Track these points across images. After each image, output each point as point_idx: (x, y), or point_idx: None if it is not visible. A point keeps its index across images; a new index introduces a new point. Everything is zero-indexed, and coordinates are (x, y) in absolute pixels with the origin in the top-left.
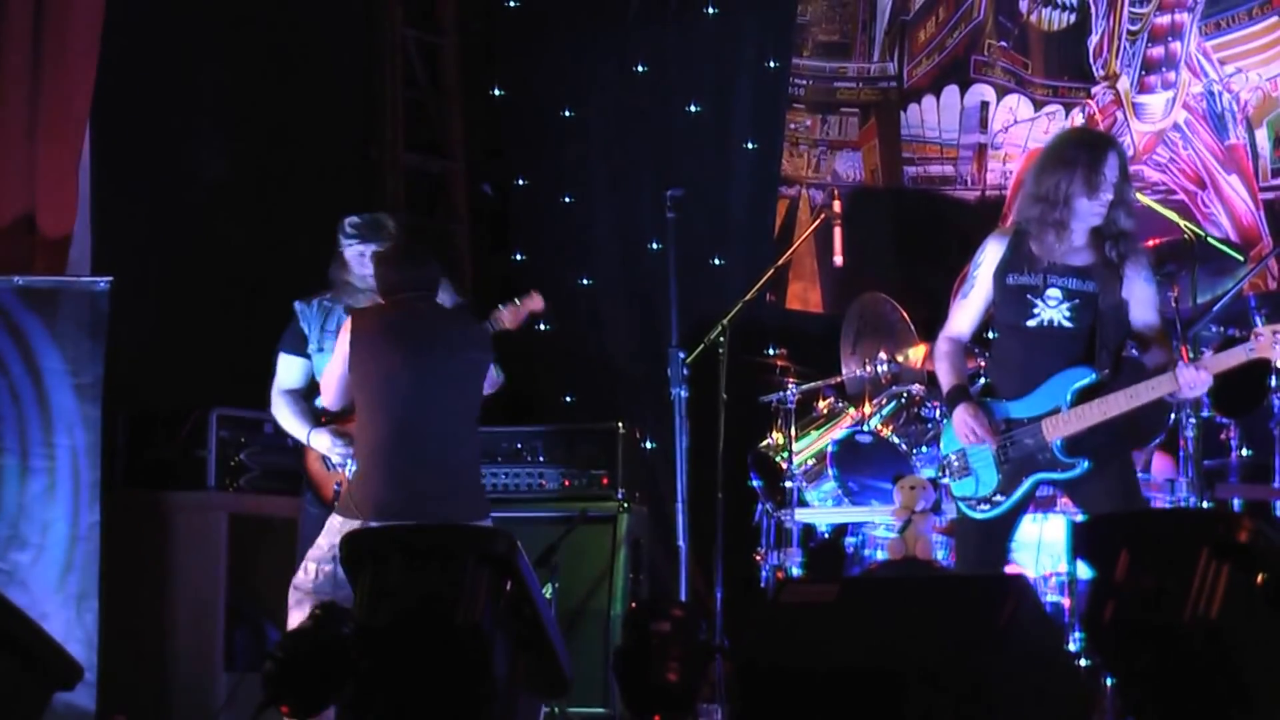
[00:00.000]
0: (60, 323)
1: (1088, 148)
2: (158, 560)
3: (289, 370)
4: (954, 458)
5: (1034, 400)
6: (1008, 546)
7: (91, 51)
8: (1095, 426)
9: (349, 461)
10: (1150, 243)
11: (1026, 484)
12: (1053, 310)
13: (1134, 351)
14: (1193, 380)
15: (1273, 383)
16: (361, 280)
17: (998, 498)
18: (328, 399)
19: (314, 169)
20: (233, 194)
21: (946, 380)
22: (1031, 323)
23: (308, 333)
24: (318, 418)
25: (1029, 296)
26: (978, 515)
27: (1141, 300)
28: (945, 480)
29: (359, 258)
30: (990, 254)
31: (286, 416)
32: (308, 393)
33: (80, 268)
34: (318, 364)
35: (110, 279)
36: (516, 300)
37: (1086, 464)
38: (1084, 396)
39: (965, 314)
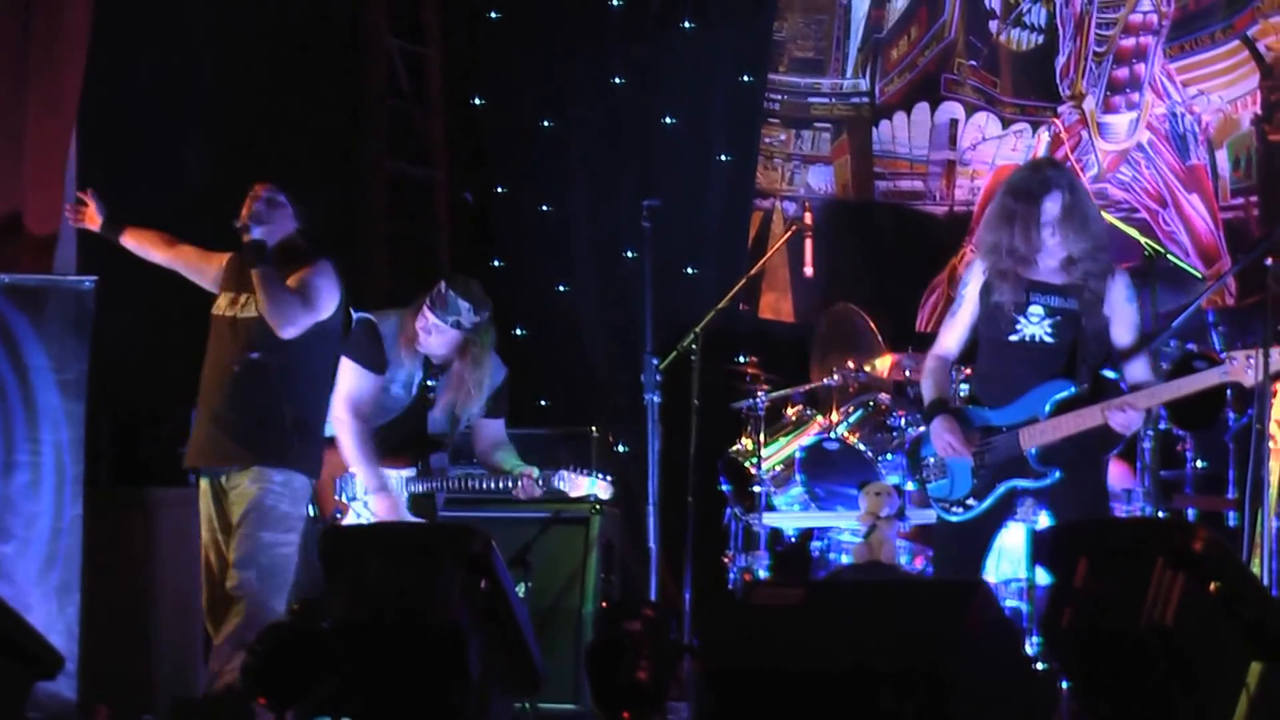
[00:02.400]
0: (46, 320)
1: (1023, 199)
2: (139, 554)
3: (365, 387)
4: (933, 460)
5: (1013, 410)
6: (985, 551)
7: (79, 56)
8: (1070, 437)
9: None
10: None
11: (1000, 490)
12: (1035, 326)
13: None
14: (1121, 419)
15: (1229, 398)
16: (437, 347)
17: (970, 501)
18: None
19: (299, 174)
20: (217, 198)
21: (929, 393)
22: (1014, 338)
23: (390, 360)
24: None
25: (1012, 313)
26: (951, 518)
27: (1121, 317)
28: (923, 481)
29: (441, 332)
30: (976, 274)
31: (354, 441)
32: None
33: (66, 267)
34: (373, 393)
35: (95, 278)
36: (592, 475)
37: (1058, 473)
38: (1062, 409)
39: (953, 333)
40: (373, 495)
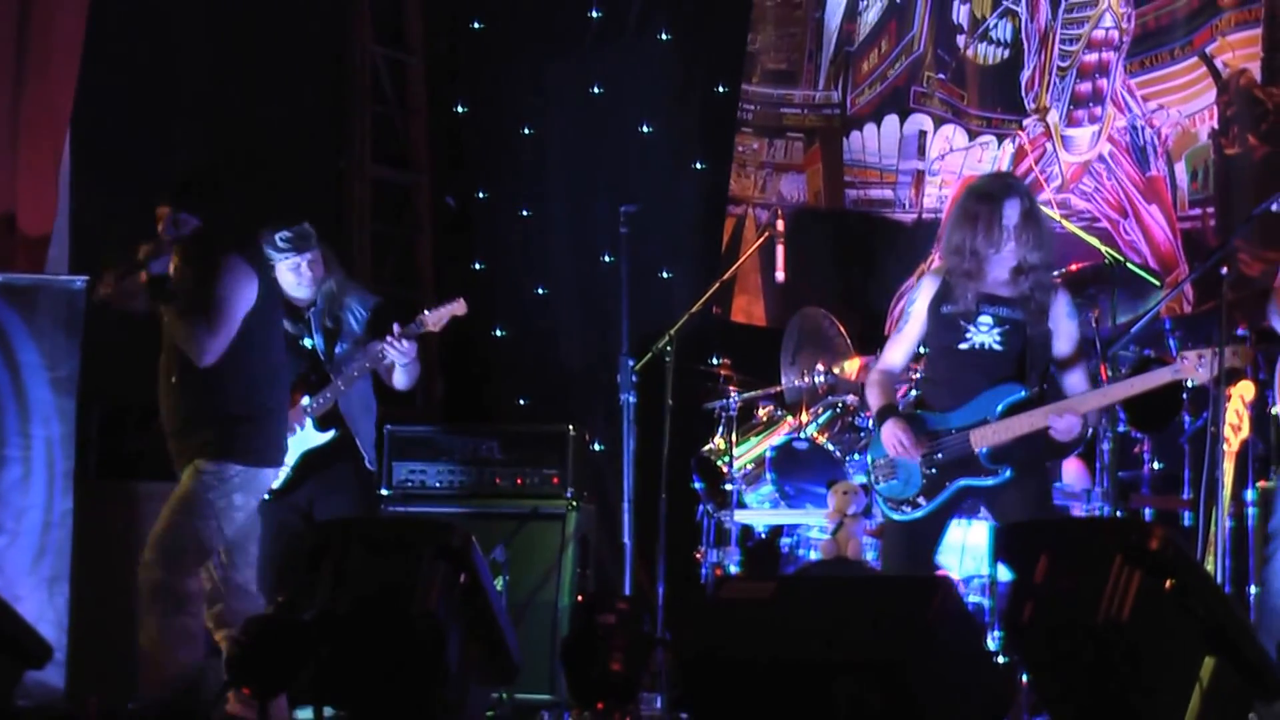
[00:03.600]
0: (38, 318)
1: (986, 202)
2: (127, 546)
3: None
4: (882, 461)
5: (964, 413)
6: (934, 550)
7: (72, 61)
8: (1020, 438)
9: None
10: (1073, 267)
11: (950, 490)
12: (984, 335)
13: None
14: (1060, 424)
15: (1184, 401)
16: (291, 291)
17: (920, 500)
18: None
19: (286, 177)
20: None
21: (875, 402)
22: (964, 345)
23: None
24: None
25: (961, 323)
26: (898, 517)
27: (1063, 333)
28: (872, 481)
29: (296, 269)
30: (925, 291)
31: None
32: None
33: (59, 266)
34: None
35: (86, 278)
36: (442, 305)
37: (1009, 472)
38: (1013, 411)
39: (899, 349)
40: None
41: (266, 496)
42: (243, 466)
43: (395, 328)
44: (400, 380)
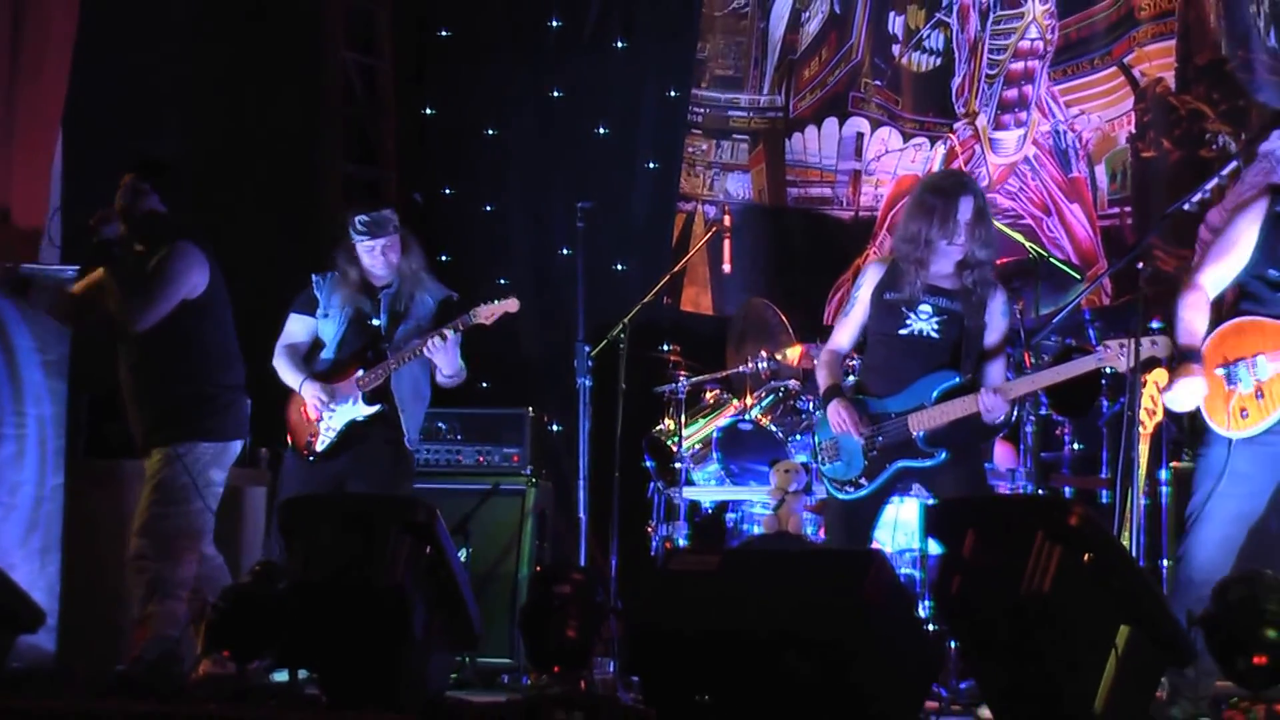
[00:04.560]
0: (31, 305)
1: (943, 195)
2: (114, 520)
3: (297, 327)
4: (827, 444)
5: (903, 398)
6: (873, 526)
7: (64, 64)
8: (954, 422)
9: (326, 413)
10: (1000, 261)
11: (889, 471)
12: (923, 323)
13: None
14: (990, 404)
15: (1103, 387)
16: (369, 272)
17: (862, 481)
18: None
19: (264, 174)
20: (190, 194)
21: (824, 381)
22: (903, 332)
23: (320, 299)
24: (311, 371)
25: (903, 310)
26: (843, 496)
27: (994, 327)
28: (818, 463)
29: (371, 252)
30: (870, 277)
31: (285, 367)
32: (309, 353)
33: (50, 257)
34: (322, 328)
35: (76, 268)
36: (496, 300)
37: (945, 454)
38: (947, 396)
39: (846, 331)
40: (303, 394)
41: (311, 459)
42: (211, 443)
43: (445, 328)
44: (442, 374)
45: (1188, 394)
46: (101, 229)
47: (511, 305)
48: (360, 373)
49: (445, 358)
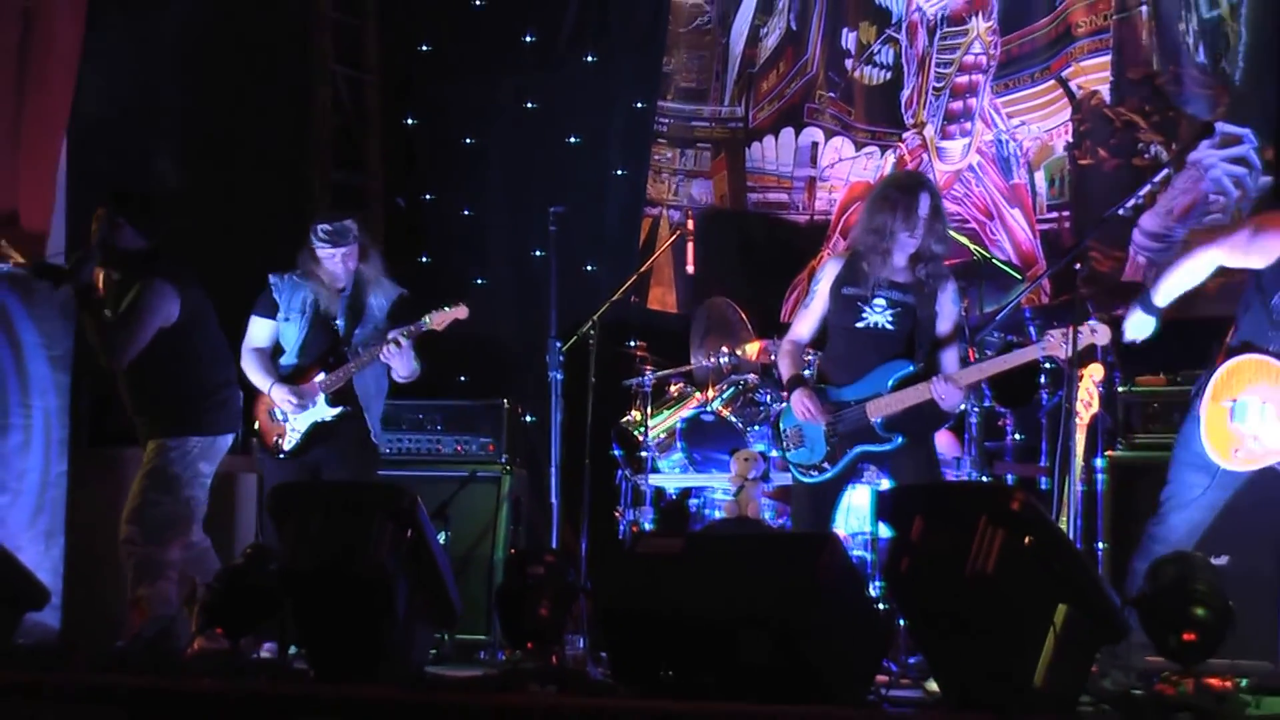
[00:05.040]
0: (38, 304)
1: (905, 191)
2: (114, 505)
3: (260, 331)
4: (791, 431)
5: (861, 386)
6: (835, 508)
7: (69, 77)
8: (909, 409)
9: (292, 415)
10: (946, 262)
11: (850, 455)
12: (878, 315)
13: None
14: (943, 391)
15: (1042, 380)
16: (330, 276)
17: (825, 465)
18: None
19: (257, 180)
20: (187, 200)
21: (787, 371)
22: (860, 325)
23: (280, 302)
24: (279, 375)
25: (859, 304)
26: (807, 480)
27: (945, 316)
28: (783, 449)
29: (332, 259)
30: (829, 272)
31: (253, 370)
32: (273, 353)
33: (56, 258)
34: (283, 331)
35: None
36: (446, 306)
37: (900, 439)
38: (903, 384)
39: (805, 322)
40: (272, 397)
41: (281, 456)
42: (200, 438)
43: (398, 333)
44: (398, 374)
45: (1132, 327)
46: (80, 273)
47: (461, 312)
48: (323, 376)
49: (400, 361)
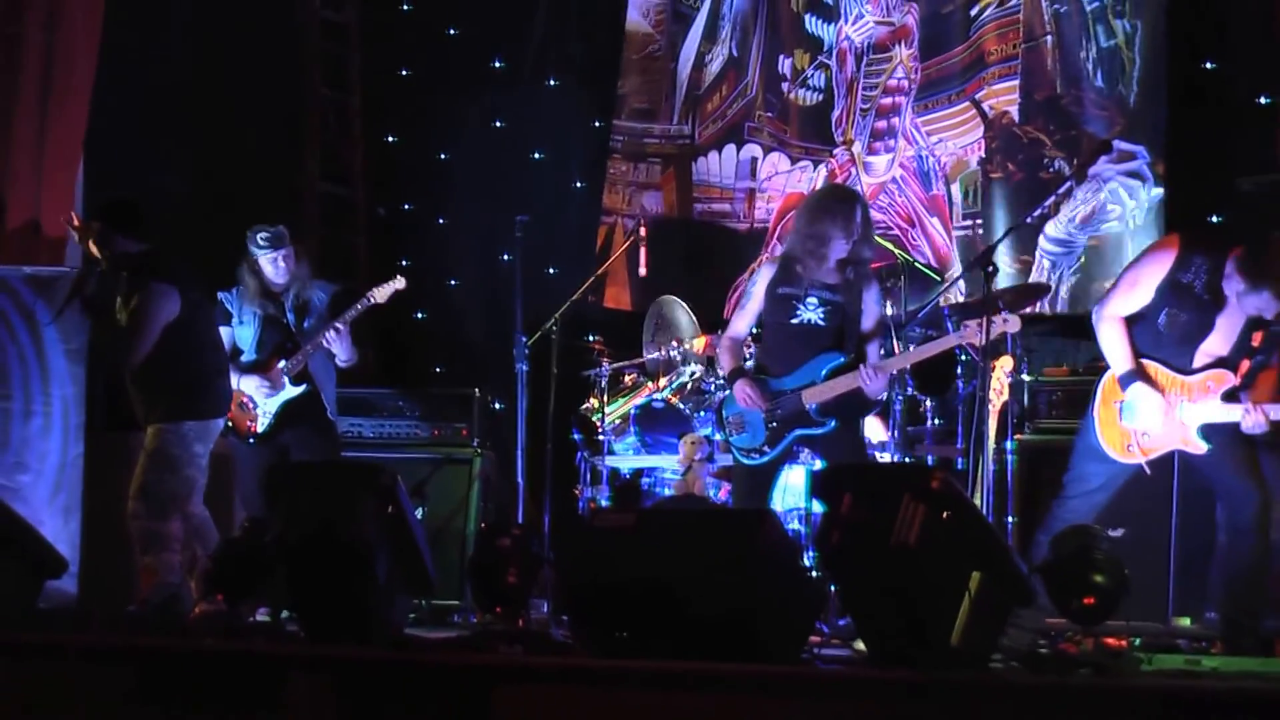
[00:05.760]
0: (57, 302)
1: (842, 202)
2: (125, 483)
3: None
4: (734, 418)
5: (796, 376)
6: (773, 487)
7: (86, 98)
8: (840, 396)
9: (264, 399)
10: (873, 265)
11: (788, 439)
12: (811, 313)
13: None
14: (869, 378)
15: (959, 371)
16: (269, 280)
17: (765, 448)
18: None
19: (253, 191)
20: (192, 209)
21: (727, 364)
22: (794, 321)
23: (232, 310)
24: (244, 369)
25: (793, 302)
26: (748, 462)
27: (869, 313)
28: (726, 434)
29: (274, 262)
30: (764, 275)
31: None
32: (232, 354)
33: (73, 261)
34: (239, 334)
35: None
36: (386, 282)
37: (834, 423)
38: (834, 374)
39: (743, 320)
40: (243, 388)
41: (251, 441)
42: (194, 421)
43: (341, 318)
44: (340, 359)
45: (1136, 401)
46: (83, 289)
47: (399, 283)
48: (282, 363)
49: (341, 346)
